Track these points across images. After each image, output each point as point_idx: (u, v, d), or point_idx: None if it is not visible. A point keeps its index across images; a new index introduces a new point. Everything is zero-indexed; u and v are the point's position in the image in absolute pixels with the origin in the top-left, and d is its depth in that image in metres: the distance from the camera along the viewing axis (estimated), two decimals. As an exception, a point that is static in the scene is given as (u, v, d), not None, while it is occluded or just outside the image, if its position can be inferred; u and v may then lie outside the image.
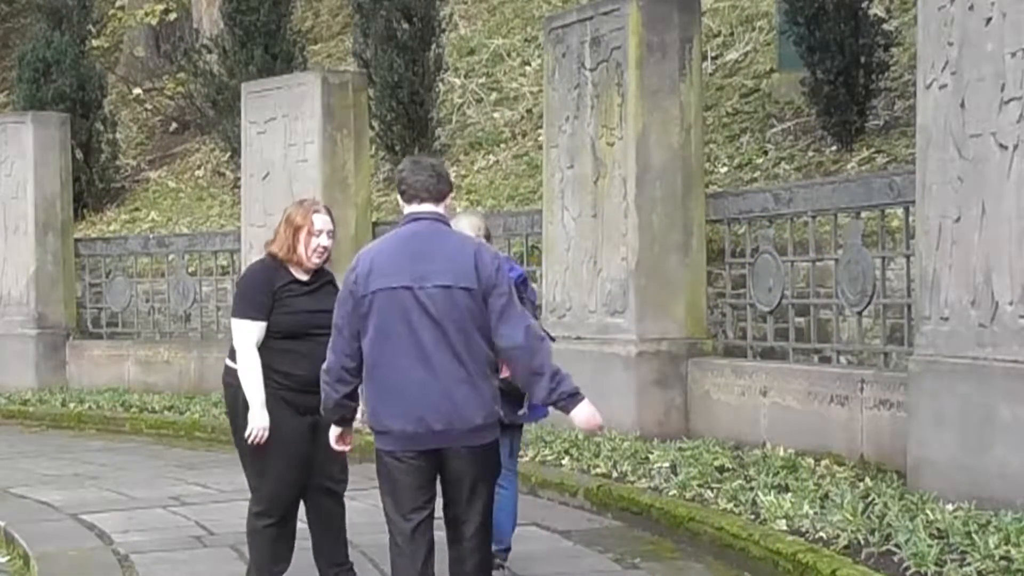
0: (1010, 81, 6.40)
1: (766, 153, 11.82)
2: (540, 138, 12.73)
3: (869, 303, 8.51)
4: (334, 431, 5.38)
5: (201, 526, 8.00)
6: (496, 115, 15.69)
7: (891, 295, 8.60)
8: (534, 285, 11.06)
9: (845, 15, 10.92)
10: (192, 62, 17.77)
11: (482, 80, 16.50)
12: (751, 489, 7.34)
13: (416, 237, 5.11)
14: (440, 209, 5.20)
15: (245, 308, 5.99)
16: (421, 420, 4.98)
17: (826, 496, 7.00)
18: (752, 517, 6.88)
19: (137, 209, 18.07)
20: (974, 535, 5.87)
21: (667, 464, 8.29)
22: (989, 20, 6.52)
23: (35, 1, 19.55)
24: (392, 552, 5.15)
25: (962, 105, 6.71)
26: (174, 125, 20.11)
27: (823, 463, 8.01)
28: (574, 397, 5.13)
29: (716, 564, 6.76)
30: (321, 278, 6.14)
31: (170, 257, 14.91)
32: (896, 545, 5.93)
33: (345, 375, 5.14)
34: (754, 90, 13.08)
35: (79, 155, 17.31)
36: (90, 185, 17.79)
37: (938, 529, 6.10)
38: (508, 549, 6.47)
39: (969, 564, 5.58)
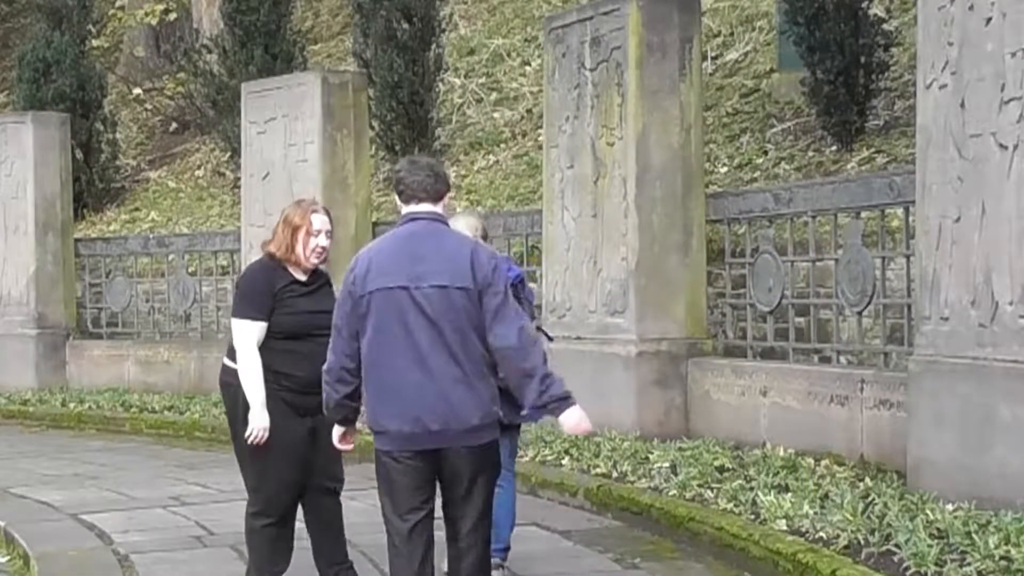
0: (1010, 81, 6.40)
1: (766, 153, 11.82)
2: (540, 138, 12.74)
3: (869, 303, 8.51)
4: (337, 430, 5.39)
5: (201, 526, 8.00)
6: (496, 115, 15.69)
7: (891, 295, 8.60)
8: (533, 285, 11.11)
9: (845, 15, 10.92)
10: (192, 62, 17.77)
11: (482, 80, 16.51)
12: (751, 489, 7.34)
13: (414, 237, 5.11)
14: (438, 209, 5.20)
15: (246, 308, 5.99)
16: (418, 420, 4.98)
17: (826, 496, 7.00)
18: (752, 517, 6.88)
19: (137, 209, 18.08)
20: (974, 535, 5.87)
21: (667, 464, 8.29)
22: (989, 20, 6.52)
23: (35, 1, 19.55)
24: (390, 552, 5.15)
25: (962, 105, 6.71)
26: (174, 125, 20.11)
27: (823, 463, 8.01)
28: (564, 401, 5.09)
29: (716, 564, 6.76)
30: (318, 279, 6.15)
31: (170, 257, 14.91)
32: (896, 545, 5.94)
33: (345, 375, 5.15)
34: (754, 90, 13.08)
35: (79, 155, 17.31)
36: (90, 185, 17.79)
37: (938, 529, 6.10)
38: (507, 548, 6.47)
39: (969, 564, 5.58)
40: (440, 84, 15.34)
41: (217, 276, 14.29)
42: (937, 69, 6.91)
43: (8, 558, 7.77)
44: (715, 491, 7.50)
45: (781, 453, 8.28)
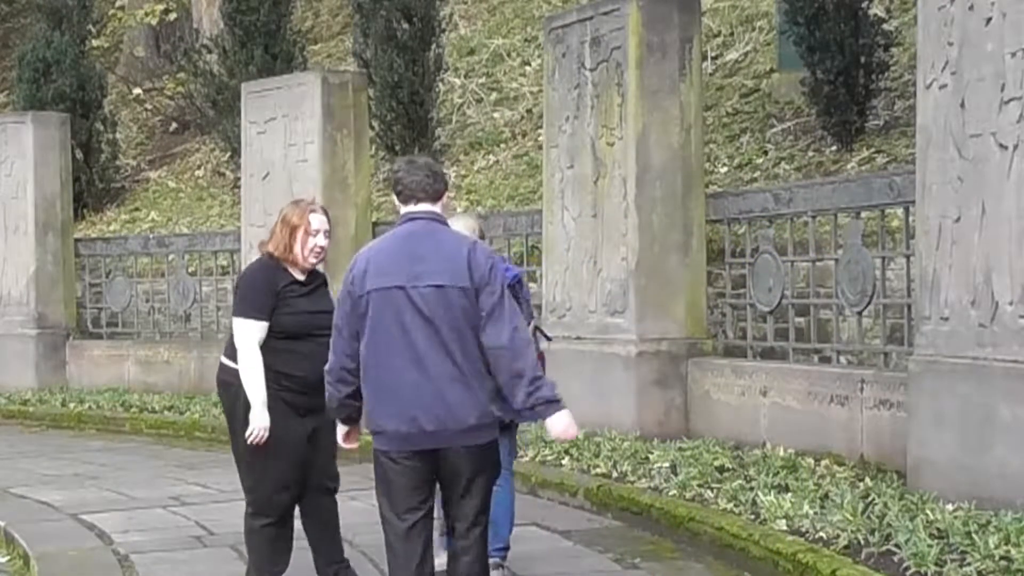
0: (1010, 81, 6.40)
1: (766, 153, 11.82)
2: (540, 138, 12.73)
3: (869, 303, 8.51)
4: (341, 429, 5.39)
5: (201, 526, 8.01)
6: (496, 115, 15.68)
7: (891, 295, 8.60)
8: (533, 285, 11.12)
9: (845, 15, 10.92)
10: (192, 62, 17.77)
11: (482, 80, 16.50)
12: (751, 489, 7.34)
13: (412, 237, 5.11)
14: (437, 208, 5.20)
15: (248, 307, 5.99)
16: (414, 420, 4.98)
17: (826, 496, 7.00)
18: (752, 517, 6.88)
19: (137, 209, 18.08)
20: (974, 535, 5.87)
21: (667, 464, 8.29)
22: (989, 20, 6.52)
23: (35, 1, 19.55)
24: (388, 552, 5.16)
25: (962, 105, 6.71)
26: (174, 125, 20.11)
27: (823, 463, 8.01)
28: (551, 404, 5.04)
29: (716, 564, 6.76)
30: (316, 279, 6.16)
31: (170, 257, 14.91)
32: (896, 545, 5.94)
33: (346, 375, 5.15)
34: (754, 90, 13.08)
35: (79, 155, 17.31)
36: (90, 185, 17.79)
37: (938, 529, 6.10)
38: (507, 548, 6.47)
39: (969, 564, 5.58)
40: (440, 84, 15.34)
41: (217, 276, 14.29)
42: (937, 69, 6.91)
43: (8, 558, 7.78)
44: (715, 491, 7.50)
45: (781, 453, 8.28)
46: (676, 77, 9.78)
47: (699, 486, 7.65)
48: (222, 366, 6.16)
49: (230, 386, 6.08)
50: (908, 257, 8.19)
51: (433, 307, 4.97)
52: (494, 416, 5.07)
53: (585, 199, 10.13)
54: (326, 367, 5.25)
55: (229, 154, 16.67)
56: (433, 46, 15.01)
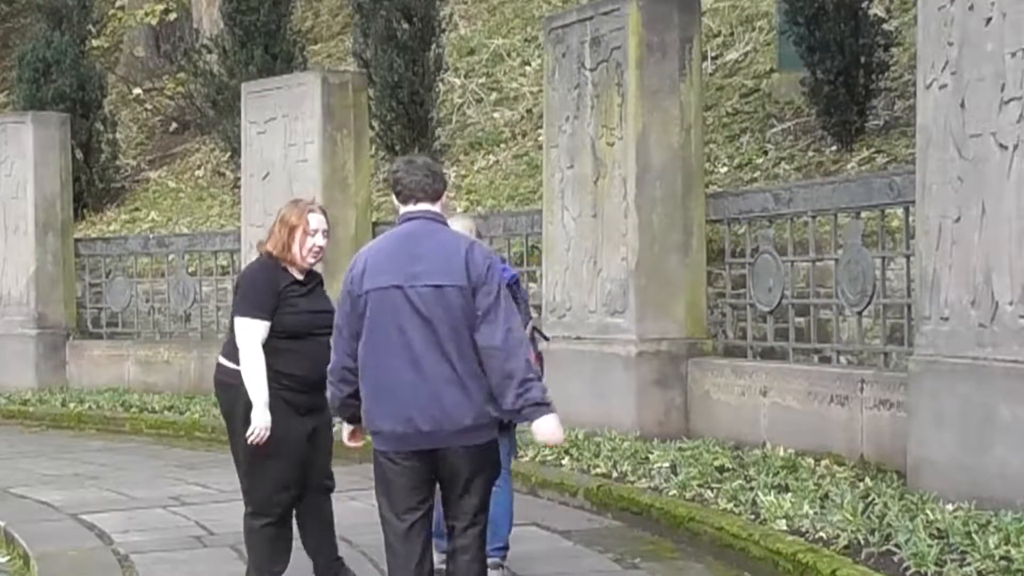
0: (1010, 81, 6.40)
1: (766, 153, 11.82)
2: (540, 138, 12.73)
3: (869, 303, 8.51)
4: (346, 428, 5.39)
5: (201, 526, 8.00)
6: (496, 115, 15.69)
7: (891, 295, 8.60)
8: (533, 285, 11.12)
9: (845, 15, 10.92)
10: (192, 62, 17.77)
11: (482, 80, 16.50)
12: (751, 489, 7.34)
13: (411, 237, 5.11)
14: (436, 208, 5.19)
15: (250, 307, 5.98)
16: (410, 421, 4.97)
17: (826, 496, 7.00)
18: (752, 517, 6.88)
19: (137, 209, 18.08)
20: (974, 535, 5.87)
21: (667, 464, 8.29)
22: (989, 20, 6.52)
23: (35, 1, 19.55)
24: (387, 552, 5.15)
25: (962, 105, 6.71)
26: (174, 125, 20.11)
27: (823, 463, 8.01)
28: (539, 407, 5.02)
29: (716, 564, 6.76)
30: (313, 279, 6.18)
31: (170, 257, 14.91)
32: (896, 545, 5.94)
33: (347, 375, 5.16)
34: (754, 90, 13.08)
35: (79, 155, 17.31)
36: (90, 185, 17.79)
37: (938, 529, 6.10)
38: (506, 548, 6.46)
39: (969, 564, 5.58)
40: (440, 84, 15.34)
41: (217, 276, 14.29)
42: (937, 69, 6.91)
43: (8, 558, 7.77)
44: (715, 491, 7.50)
45: (781, 453, 8.28)
46: (676, 77, 9.78)
47: (699, 486, 7.65)
48: (220, 367, 6.16)
49: (230, 387, 6.07)
50: (908, 257, 8.19)
51: (431, 307, 4.96)
52: (491, 416, 5.04)
53: (585, 199, 10.13)
54: (328, 367, 5.25)
55: (229, 154, 16.67)
56: (433, 46, 15.02)
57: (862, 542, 6.12)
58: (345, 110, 12.66)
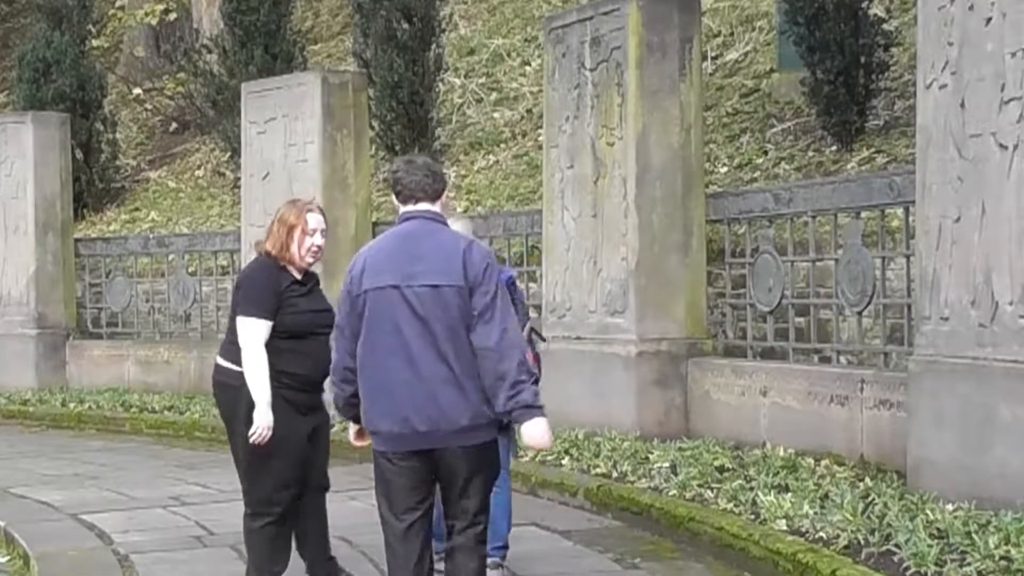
0: (1010, 81, 6.40)
1: (766, 153, 11.82)
2: (540, 138, 12.73)
3: (869, 303, 8.51)
4: (352, 428, 5.38)
5: (201, 526, 8.01)
6: (496, 115, 15.69)
7: (891, 295, 8.60)
8: (533, 285, 11.13)
9: (845, 15, 10.92)
10: (192, 62, 17.78)
11: (482, 80, 16.51)
12: (751, 489, 7.34)
13: (410, 237, 5.11)
14: (436, 208, 5.19)
15: (253, 307, 5.99)
16: (406, 421, 4.97)
17: (826, 496, 7.00)
18: (752, 517, 6.88)
19: (137, 209, 18.08)
20: (974, 535, 5.87)
21: (667, 464, 8.29)
22: (989, 20, 6.52)
23: (35, 1, 19.55)
24: (387, 552, 5.15)
25: (962, 105, 6.71)
26: (174, 125, 20.11)
27: (823, 463, 8.01)
28: (529, 410, 4.97)
29: (716, 564, 6.76)
30: (311, 279, 6.20)
31: (170, 257, 14.91)
32: (896, 545, 5.94)
33: (348, 375, 5.16)
34: (754, 90, 13.08)
35: (79, 155, 17.31)
36: (90, 185, 17.79)
37: (938, 529, 6.10)
38: (505, 547, 6.47)
39: (969, 564, 5.58)
40: (440, 84, 15.34)
41: (217, 276, 14.29)
42: (937, 69, 6.91)
43: (8, 558, 7.77)
44: (715, 491, 7.50)
45: (781, 453, 8.28)
46: (676, 77, 9.78)
47: (699, 486, 7.65)
48: (220, 368, 6.16)
49: (230, 387, 6.08)
50: (908, 257, 8.19)
51: (428, 307, 4.95)
52: (489, 417, 5.01)
53: (585, 199, 10.13)
54: (331, 367, 5.26)
55: (229, 154, 16.67)
56: (433, 46, 15.02)
57: (862, 542, 6.12)
58: (345, 110, 12.66)
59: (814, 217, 9.04)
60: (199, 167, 18.68)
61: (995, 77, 6.48)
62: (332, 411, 5.73)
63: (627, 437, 9.20)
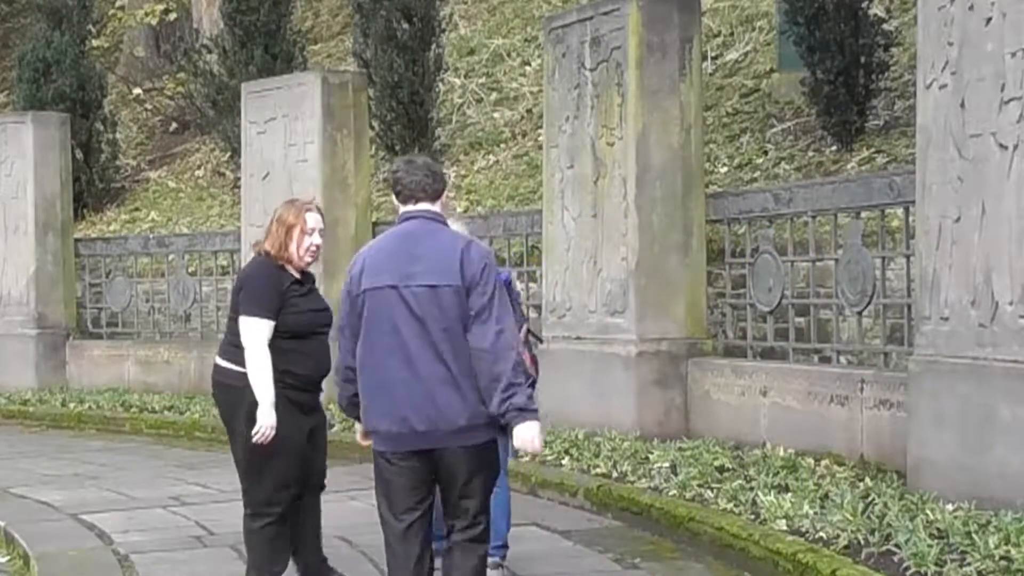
0: (1010, 81, 6.40)
1: (766, 153, 11.82)
2: (540, 138, 12.73)
3: (869, 303, 8.51)
4: (359, 427, 5.38)
5: (201, 526, 8.01)
6: (496, 115, 15.69)
7: (891, 295, 8.59)
8: (533, 285, 11.13)
9: (845, 15, 10.92)
10: (192, 62, 17.78)
11: (482, 80, 16.50)
12: (751, 489, 7.34)
13: (409, 237, 5.11)
14: (436, 208, 5.19)
15: (256, 307, 5.99)
16: (404, 421, 4.97)
17: (826, 496, 7.00)
18: (752, 517, 6.88)
19: (137, 209, 18.08)
20: (974, 535, 5.87)
21: (667, 464, 8.29)
22: (989, 20, 6.52)
23: (35, 1, 19.55)
24: (387, 552, 5.15)
25: (962, 105, 6.71)
26: (174, 125, 20.11)
27: (823, 463, 8.01)
28: (522, 413, 4.95)
29: (716, 564, 6.76)
30: (308, 279, 6.21)
31: (170, 257, 14.91)
32: (896, 545, 5.94)
33: (350, 374, 5.17)
34: (754, 90, 13.08)
35: (79, 155, 17.31)
36: (90, 185, 17.79)
37: (938, 529, 6.10)
38: (505, 546, 6.47)
39: (969, 564, 5.58)
40: (440, 84, 15.34)
41: (217, 276, 14.29)
42: (937, 69, 6.91)
43: (8, 558, 7.77)
44: (715, 491, 7.50)
45: (781, 453, 8.28)
46: (676, 77, 9.78)
47: (699, 486, 7.65)
48: (220, 369, 6.16)
49: (231, 388, 6.07)
50: (908, 257, 8.19)
51: (425, 307, 4.95)
52: (488, 416, 4.99)
53: (585, 199, 10.13)
54: (334, 366, 5.26)
55: (229, 154, 16.67)
56: (433, 46, 15.02)
57: (862, 542, 6.12)
58: (345, 110, 12.66)
59: (814, 217, 9.04)
60: (199, 167, 18.68)
61: (995, 77, 6.48)
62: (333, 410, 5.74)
63: (627, 437, 9.19)
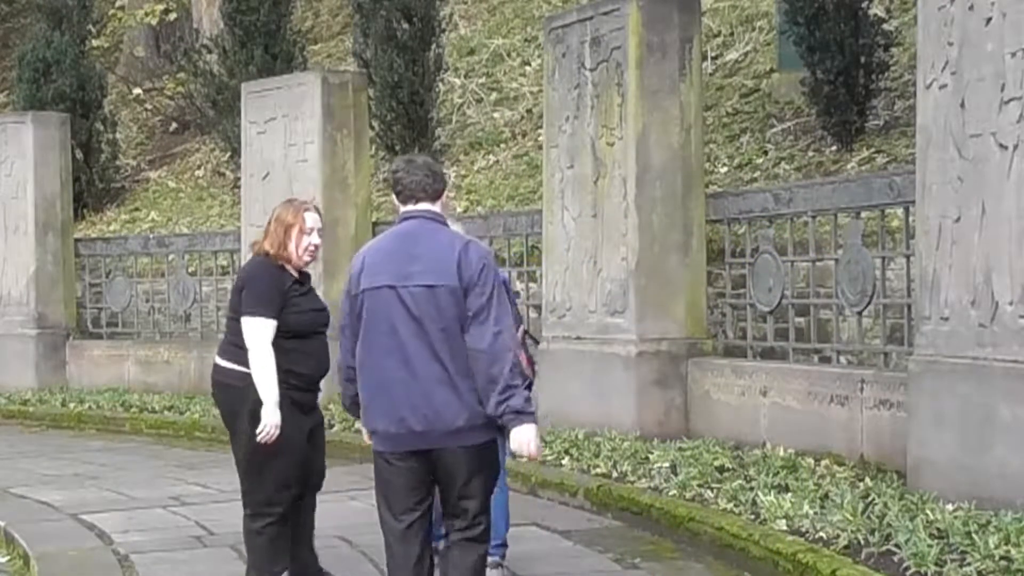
0: (1010, 81, 6.40)
1: (766, 153, 11.82)
2: (540, 138, 12.73)
3: (869, 303, 8.51)
4: (364, 427, 5.38)
5: (201, 526, 8.01)
6: (496, 115, 15.69)
7: (891, 295, 8.59)
8: (533, 285, 11.12)
9: (845, 15, 10.92)
10: (192, 62, 17.78)
11: (482, 80, 16.51)
12: (751, 489, 7.34)
13: (409, 237, 5.11)
14: (436, 207, 5.18)
15: (259, 307, 5.99)
16: (402, 421, 4.97)
17: (826, 496, 7.00)
18: (752, 517, 6.88)
19: (137, 209, 18.08)
20: (974, 535, 5.87)
21: (667, 464, 8.29)
22: (989, 20, 6.52)
23: (35, 1, 19.55)
24: (386, 552, 5.15)
25: (962, 105, 6.71)
26: (174, 125, 20.11)
27: (823, 463, 8.01)
28: (519, 415, 4.94)
29: (716, 564, 6.76)
30: (306, 279, 6.22)
31: (170, 257, 14.91)
32: (896, 545, 5.94)
33: (351, 374, 5.18)
34: (754, 90, 13.08)
35: (79, 155, 17.31)
36: (90, 185, 17.79)
37: (938, 529, 6.10)
38: (504, 545, 6.47)
39: (969, 564, 5.58)
40: (440, 84, 15.34)
41: (217, 276, 14.29)
42: (937, 69, 6.91)
43: (8, 558, 7.77)
44: (715, 491, 7.50)
45: (781, 453, 8.28)
46: (676, 77, 9.78)
47: (699, 486, 7.65)
48: (220, 369, 6.15)
49: (232, 388, 6.07)
50: (908, 257, 8.19)
51: (423, 307, 4.94)
52: (486, 417, 4.97)
53: (585, 199, 10.13)
54: (336, 366, 5.26)
55: (229, 154, 16.67)
56: (433, 46, 15.02)
57: (862, 542, 6.12)
58: (345, 110, 12.66)
59: (814, 217, 9.04)
60: (199, 167, 18.68)
61: (995, 77, 6.48)
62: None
63: (627, 437, 9.19)
